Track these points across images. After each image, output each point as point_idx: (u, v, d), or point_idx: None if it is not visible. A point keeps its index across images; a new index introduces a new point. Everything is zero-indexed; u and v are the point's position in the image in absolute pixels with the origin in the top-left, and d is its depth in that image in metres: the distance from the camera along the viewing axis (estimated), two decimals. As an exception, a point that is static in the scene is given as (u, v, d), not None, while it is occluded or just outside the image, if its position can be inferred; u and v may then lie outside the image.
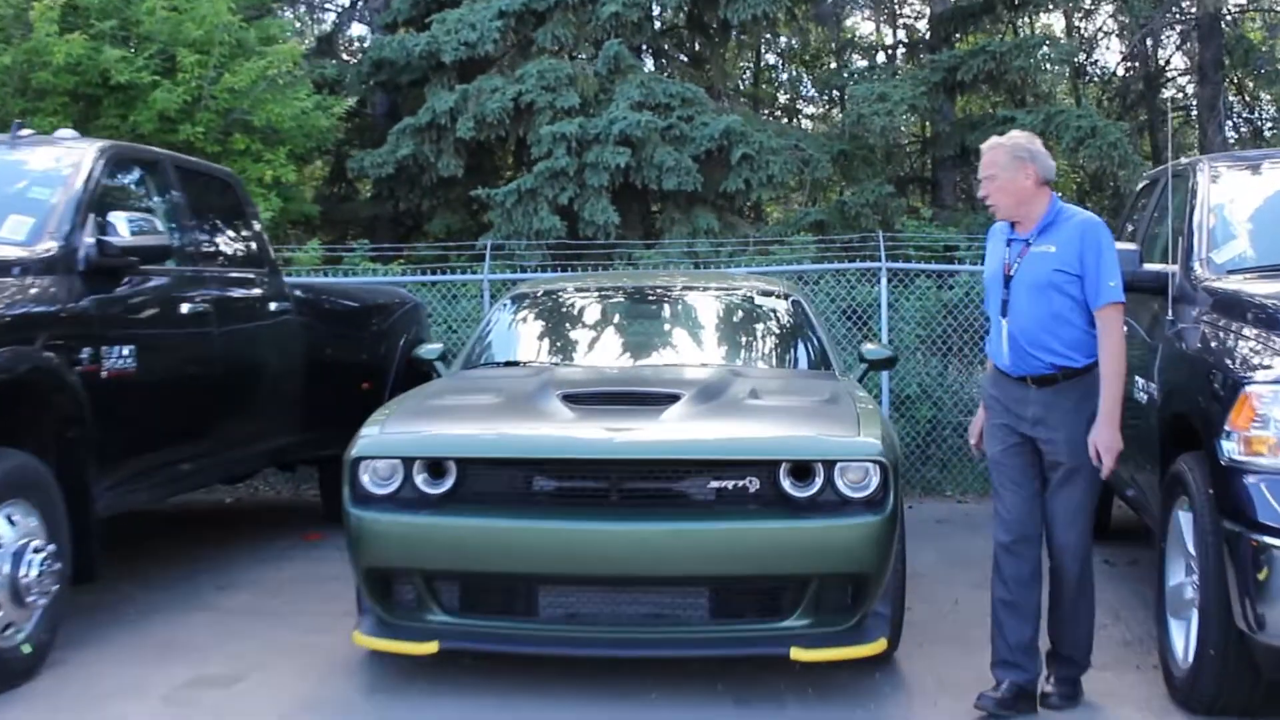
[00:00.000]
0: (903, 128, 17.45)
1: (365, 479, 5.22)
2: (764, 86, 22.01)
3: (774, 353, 6.88)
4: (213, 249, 7.46)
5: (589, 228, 14.54)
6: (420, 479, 5.22)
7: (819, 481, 5.04)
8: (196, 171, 7.58)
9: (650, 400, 5.49)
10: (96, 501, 5.95)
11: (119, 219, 6.05)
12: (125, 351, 6.11)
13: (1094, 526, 4.99)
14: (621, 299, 7.27)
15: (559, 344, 7.03)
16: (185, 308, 6.76)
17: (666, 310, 7.18)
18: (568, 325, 7.19)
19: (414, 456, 5.21)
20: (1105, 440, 4.57)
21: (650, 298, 7.27)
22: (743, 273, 10.81)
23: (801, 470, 5.06)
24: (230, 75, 13.92)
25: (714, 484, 5.06)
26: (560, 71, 15.08)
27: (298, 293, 8.52)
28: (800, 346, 6.86)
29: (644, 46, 16.66)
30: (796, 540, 4.95)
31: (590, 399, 5.57)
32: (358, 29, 21.32)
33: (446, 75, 15.72)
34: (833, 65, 21.26)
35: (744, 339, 7.02)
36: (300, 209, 15.78)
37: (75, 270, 5.93)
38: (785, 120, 20.58)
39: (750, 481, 5.07)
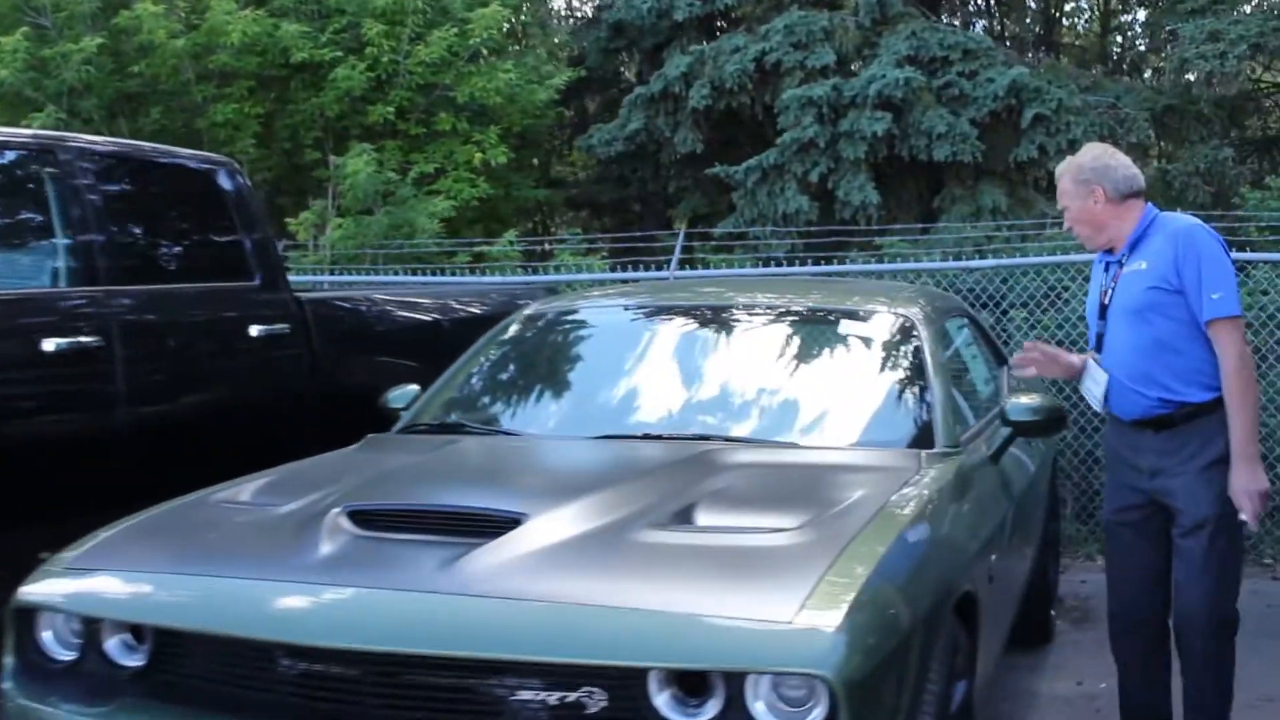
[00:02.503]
0: (1248, 74, 14.05)
1: (40, 637, 3.23)
2: (1080, 32, 18.65)
3: (832, 416, 4.35)
4: (148, 260, 5.45)
5: (845, 209, 12.20)
6: (113, 644, 3.15)
7: (717, 703, 2.73)
8: (129, 160, 5.62)
9: (475, 527, 3.17)
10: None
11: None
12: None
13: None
14: (655, 330, 4.96)
15: (525, 398, 4.83)
16: (52, 344, 4.79)
17: (709, 347, 4.81)
18: (561, 367, 4.97)
19: (95, 616, 3.17)
20: (1244, 481, 4.01)
21: (696, 327, 4.94)
22: (869, 284, 8.07)
23: (692, 680, 2.74)
24: (424, 47, 12.11)
25: (525, 695, 2.76)
26: (813, 25, 12.73)
27: (341, 307, 6.52)
28: (886, 404, 4.42)
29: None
30: None
31: (385, 522, 3.29)
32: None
33: (686, 36, 13.53)
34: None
35: (797, 392, 4.51)
36: (525, 194, 13.95)
37: None
38: (1105, 72, 17.17)
39: (590, 697, 2.73)
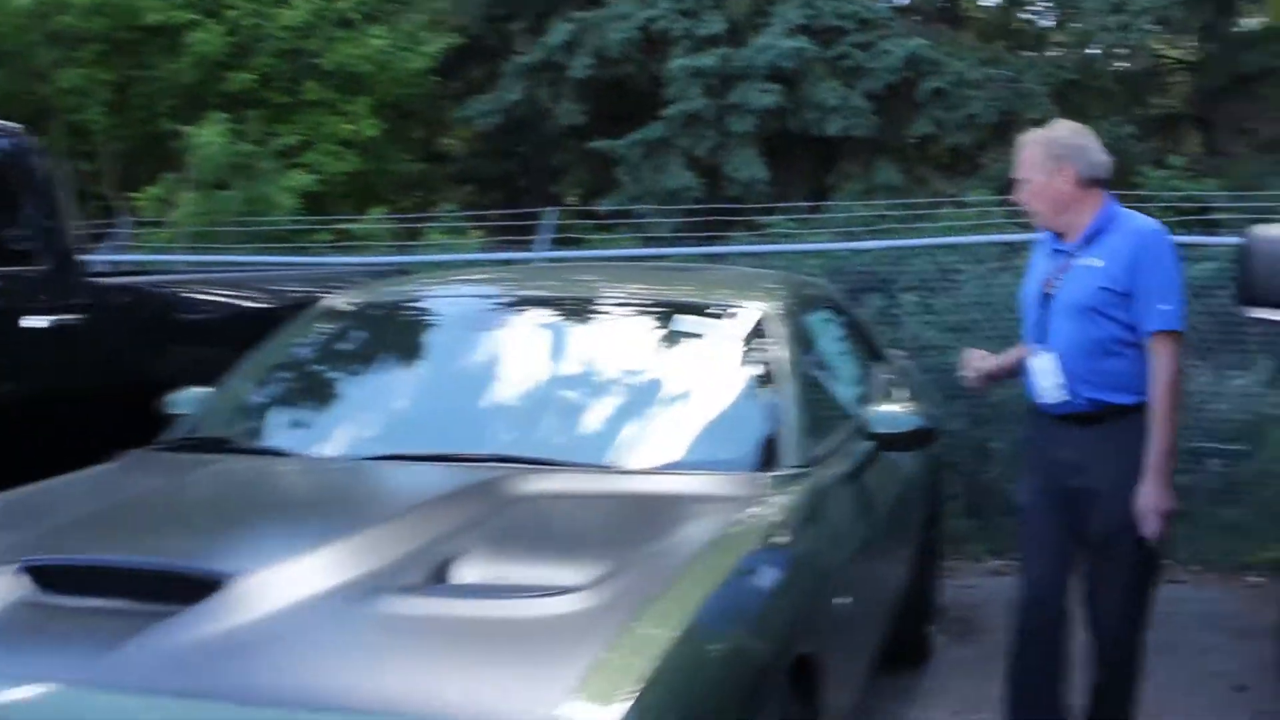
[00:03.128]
0: (1152, 50, 13.63)
1: None
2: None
3: (659, 431, 3.66)
4: None
5: (733, 186, 11.61)
6: None
7: None
8: None
9: (166, 589, 2.48)
10: None
11: None
12: None
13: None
14: (463, 327, 4.20)
15: (306, 409, 4.10)
16: None
17: (523, 347, 4.05)
18: (353, 370, 4.27)
19: None
20: (1154, 499, 3.89)
21: (512, 323, 4.21)
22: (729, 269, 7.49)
23: None
24: (289, 10, 11.33)
25: None
26: (704, -10, 12.07)
27: (152, 293, 5.78)
28: (725, 417, 3.72)
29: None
30: None
31: (69, 582, 2.59)
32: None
33: (570, 3, 12.86)
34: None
35: (620, 402, 3.79)
36: (400, 169, 13.21)
37: None
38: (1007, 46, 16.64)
39: None
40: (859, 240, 8.27)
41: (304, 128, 11.96)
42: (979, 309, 7.57)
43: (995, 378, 4.39)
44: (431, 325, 4.29)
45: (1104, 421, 3.98)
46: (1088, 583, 4.11)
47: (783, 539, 3.09)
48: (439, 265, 8.73)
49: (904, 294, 8.04)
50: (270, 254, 9.40)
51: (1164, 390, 3.91)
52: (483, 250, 9.71)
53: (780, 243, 8.90)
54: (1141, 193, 9.27)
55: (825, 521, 3.43)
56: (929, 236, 8.34)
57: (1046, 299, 4.02)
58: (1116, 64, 12.56)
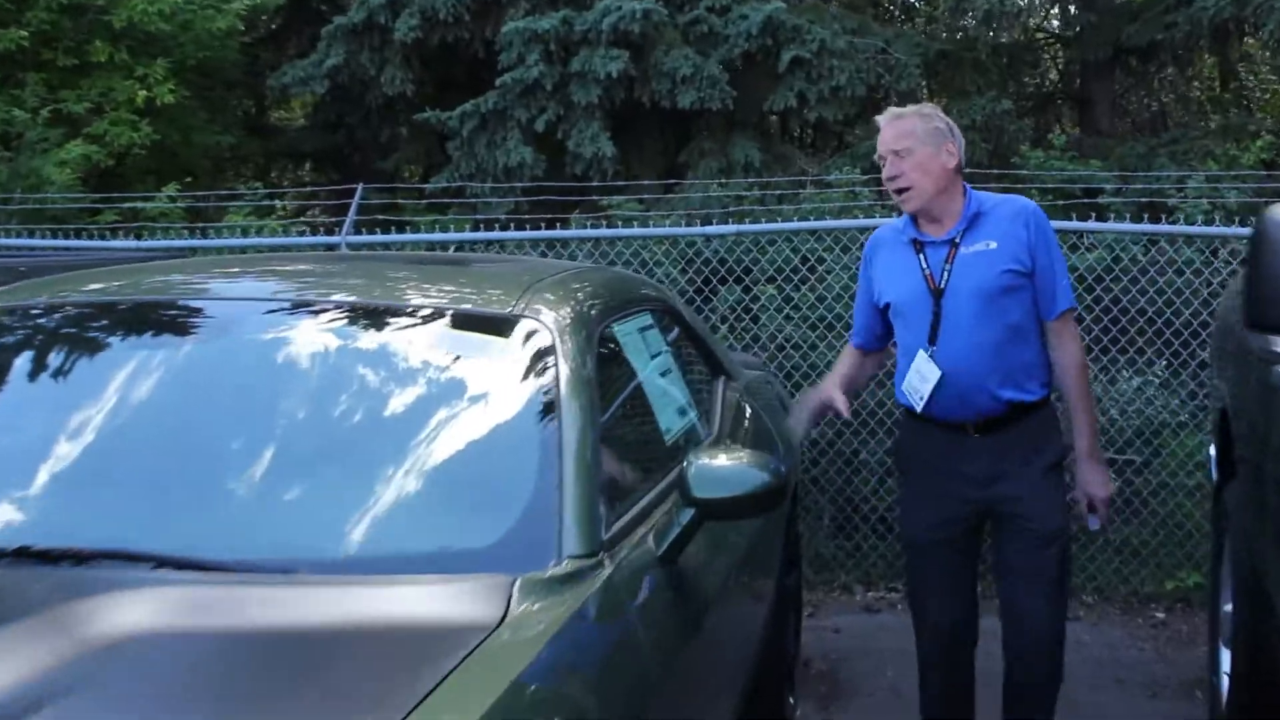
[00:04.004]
0: (1027, 22, 12.77)
1: None
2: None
3: (359, 515, 2.36)
4: None
5: (577, 163, 10.43)
6: None
7: None
8: None
9: None
10: None
11: None
12: None
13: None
14: (98, 353, 2.84)
15: None
16: None
17: (176, 385, 2.63)
18: None
19: None
20: (1098, 481, 3.88)
21: (163, 348, 2.83)
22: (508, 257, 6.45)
23: None
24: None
25: None
26: (542, -55, 10.87)
27: None
28: (466, 488, 2.51)
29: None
30: None
31: None
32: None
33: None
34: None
35: (304, 470, 2.50)
36: (205, 140, 11.82)
37: None
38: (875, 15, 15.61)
39: None
40: (714, 224, 7.23)
41: (95, 93, 10.56)
42: (846, 302, 6.58)
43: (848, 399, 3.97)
44: (38, 349, 2.95)
45: (1011, 423, 3.77)
46: (1011, 596, 3.89)
47: (543, 687, 1.96)
48: (227, 250, 7.54)
49: (762, 285, 7.09)
50: (38, 235, 8.06)
51: (1081, 366, 3.86)
52: (285, 234, 8.45)
53: (625, 226, 7.82)
54: (1021, 173, 8.47)
55: (619, 637, 2.32)
56: (790, 220, 7.46)
57: (933, 295, 3.71)
58: (991, 35, 11.59)
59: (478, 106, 10.67)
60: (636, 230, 7.58)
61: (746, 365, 5.05)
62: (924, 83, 11.68)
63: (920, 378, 3.76)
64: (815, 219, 7.46)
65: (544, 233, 7.35)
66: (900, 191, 3.70)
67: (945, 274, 3.70)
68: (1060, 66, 14.94)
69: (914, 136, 3.68)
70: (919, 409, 3.77)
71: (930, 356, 3.72)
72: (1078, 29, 12.60)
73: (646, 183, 10.05)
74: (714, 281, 7.09)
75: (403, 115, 11.75)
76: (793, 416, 4.14)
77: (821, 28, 10.78)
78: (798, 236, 7.09)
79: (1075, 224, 6.90)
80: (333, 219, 8.85)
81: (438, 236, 7.95)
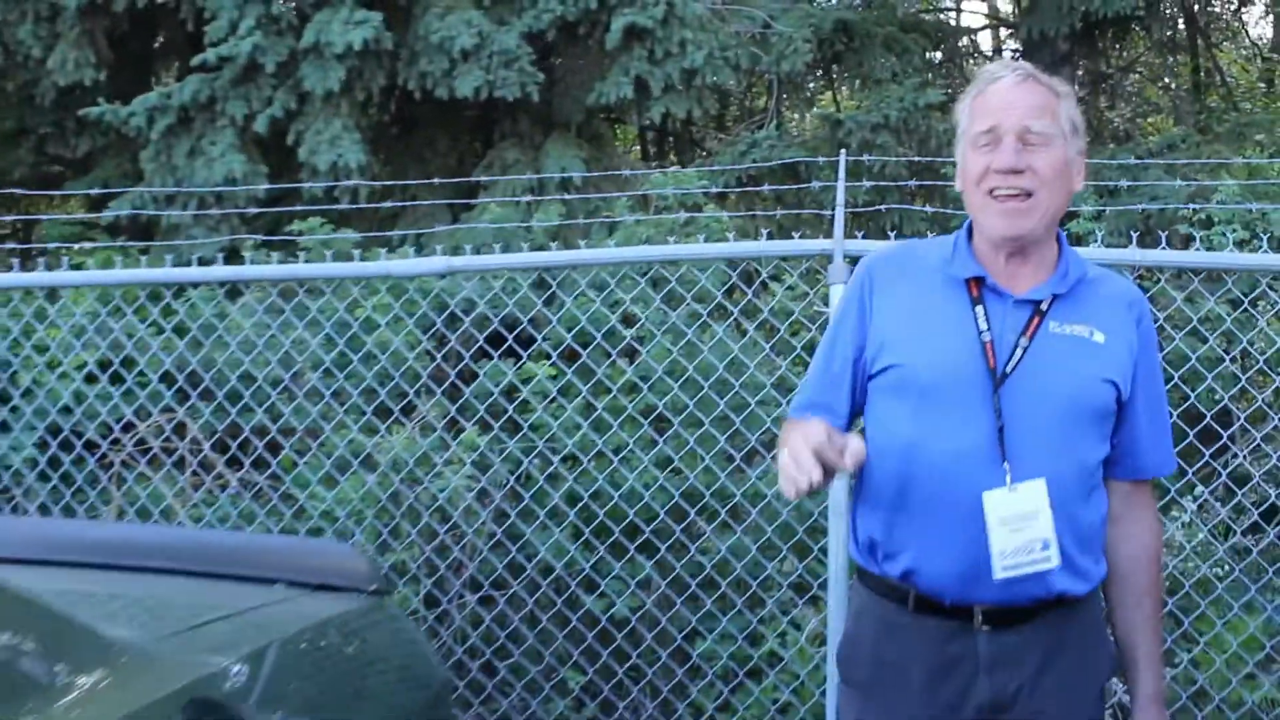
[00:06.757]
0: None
1: None
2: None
3: None
4: None
5: (315, 176, 7.30)
6: None
7: None
8: None
9: None
10: None
11: None
12: None
13: None
14: None
15: None
16: None
17: None
18: None
19: None
20: None
21: None
22: None
23: None
24: None
25: None
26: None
27: None
28: None
29: None
30: None
31: None
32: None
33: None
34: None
35: None
36: None
37: None
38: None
39: None
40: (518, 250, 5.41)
41: None
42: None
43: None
44: None
45: (1042, 618, 2.55)
46: None
47: None
48: None
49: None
50: None
51: (1159, 562, 2.76)
52: None
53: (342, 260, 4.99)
54: (953, 187, 5.34)
55: None
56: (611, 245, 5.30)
57: (991, 378, 2.50)
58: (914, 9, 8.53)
59: (174, 99, 7.42)
60: (337, 269, 4.76)
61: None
62: (818, 70, 8.52)
63: (1014, 526, 2.43)
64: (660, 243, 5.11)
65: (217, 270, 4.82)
66: (1012, 197, 2.44)
67: (1017, 354, 2.50)
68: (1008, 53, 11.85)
69: (1058, 118, 2.49)
70: (1041, 568, 2.45)
71: (1010, 485, 2.43)
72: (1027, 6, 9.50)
73: (409, 203, 6.92)
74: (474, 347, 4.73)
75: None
76: (784, 477, 2.36)
77: (670, -13, 7.61)
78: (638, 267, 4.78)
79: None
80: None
81: (113, 276, 5.04)
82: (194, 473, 4.60)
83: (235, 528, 4.49)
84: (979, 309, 2.52)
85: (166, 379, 4.75)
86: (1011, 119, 2.44)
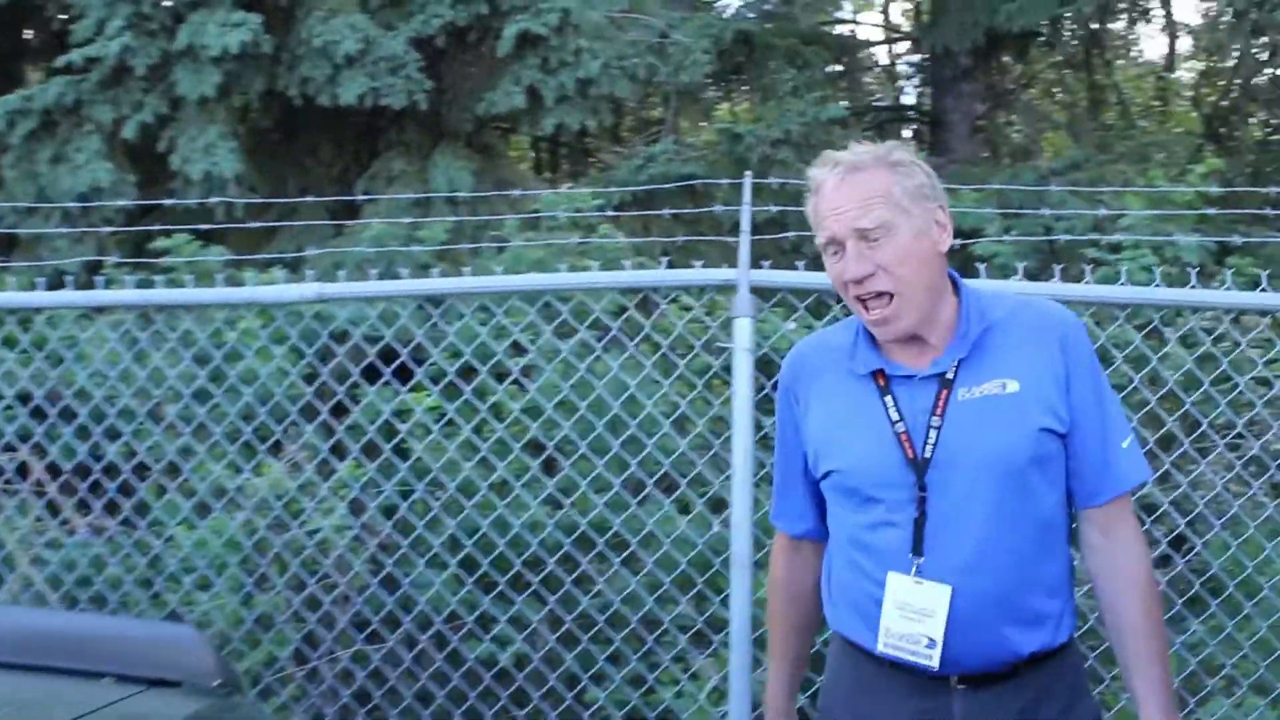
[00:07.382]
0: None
1: None
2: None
3: None
4: None
5: (189, 189, 6.83)
6: None
7: None
8: None
9: None
10: None
11: None
12: None
13: None
14: None
15: None
16: None
17: None
18: None
19: None
20: None
21: None
22: None
23: None
24: None
25: None
26: None
27: None
28: None
29: None
30: None
31: None
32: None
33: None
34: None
35: None
36: None
37: None
38: None
39: None
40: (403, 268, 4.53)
41: None
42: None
43: None
44: None
45: (1020, 677, 2.52)
46: None
47: None
48: None
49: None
50: None
51: (1151, 585, 2.61)
52: None
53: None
54: None
55: None
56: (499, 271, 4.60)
57: (913, 469, 2.46)
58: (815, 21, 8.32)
59: (36, 101, 6.99)
60: (200, 294, 4.41)
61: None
62: (718, 81, 8.29)
63: (909, 614, 2.46)
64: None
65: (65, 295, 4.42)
66: (873, 303, 2.44)
67: (932, 435, 2.45)
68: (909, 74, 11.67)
69: (890, 203, 2.42)
70: (926, 663, 2.46)
71: (916, 576, 2.45)
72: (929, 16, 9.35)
73: (299, 224, 6.54)
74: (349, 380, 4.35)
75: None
76: None
77: (568, -7, 7.33)
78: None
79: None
80: None
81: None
82: (37, 517, 4.23)
83: (83, 578, 4.12)
84: (888, 399, 2.51)
85: (7, 412, 4.38)
86: (843, 225, 2.42)
